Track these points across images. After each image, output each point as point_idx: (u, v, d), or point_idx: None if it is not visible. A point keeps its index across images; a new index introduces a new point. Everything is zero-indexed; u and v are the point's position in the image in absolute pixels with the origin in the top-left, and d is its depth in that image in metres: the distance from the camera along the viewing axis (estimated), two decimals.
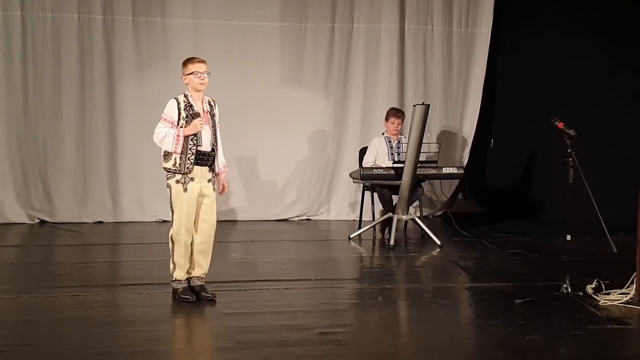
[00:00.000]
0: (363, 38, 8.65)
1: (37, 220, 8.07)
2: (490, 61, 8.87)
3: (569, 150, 5.19)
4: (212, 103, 5.01)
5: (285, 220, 8.59)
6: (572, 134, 5.26)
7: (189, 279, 4.96)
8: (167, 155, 4.83)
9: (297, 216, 8.65)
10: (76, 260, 6.36)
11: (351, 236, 7.41)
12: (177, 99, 4.85)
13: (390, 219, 7.15)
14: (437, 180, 8.19)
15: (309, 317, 4.63)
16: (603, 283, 5.05)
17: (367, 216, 7.77)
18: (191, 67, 4.85)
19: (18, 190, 8.02)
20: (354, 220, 8.28)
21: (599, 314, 4.65)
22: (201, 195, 4.88)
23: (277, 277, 5.68)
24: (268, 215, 8.54)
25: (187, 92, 4.89)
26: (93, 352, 3.93)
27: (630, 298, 4.84)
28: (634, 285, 4.89)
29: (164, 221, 8.04)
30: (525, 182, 8.93)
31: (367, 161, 7.46)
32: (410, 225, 7.86)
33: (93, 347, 3.99)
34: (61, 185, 8.12)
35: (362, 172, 7.13)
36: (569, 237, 5.16)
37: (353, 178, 7.44)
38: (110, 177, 8.23)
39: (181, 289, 4.90)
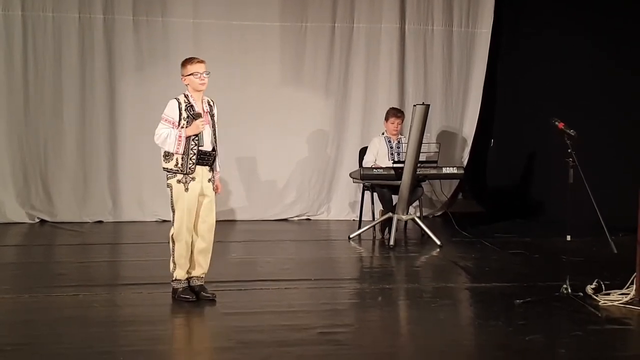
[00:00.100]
0: (363, 38, 8.65)
1: (37, 220, 8.07)
2: (491, 61, 8.88)
3: (569, 151, 5.20)
4: (212, 103, 5.01)
5: (285, 220, 8.59)
6: (573, 134, 5.26)
7: (188, 279, 4.97)
8: (167, 155, 4.83)
9: (297, 216, 8.66)
10: (76, 260, 6.36)
11: (351, 236, 7.41)
12: (177, 100, 4.85)
13: (390, 219, 7.15)
14: (437, 180, 8.19)
15: (308, 317, 4.64)
16: (603, 283, 5.05)
17: (367, 216, 7.77)
18: (190, 68, 4.85)
19: (18, 190, 8.03)
20: (354, 220, 8.28)
21: (599, 315, 4.65)
22: (202, 194, 4.89)
23: (277, 277, 5.68)
24: (268, 215, 8.54)
25: (187, 93, 4.89)
26: (93, 351, 3.93)
27: (630, 298, 4.84)
28: (634, 286, 4.89)
29: (164, 221, 8.04)
30: (526, 182, 8.93)
31: (367, 161, 7.46)
32: (410, 225, 7.86)
33: (93, 347, 3.99)
34: (61, 184, 8.12)
35: (362, 172, 7.13)
36: (569, 238, 5.16)
37: (353, 178, 7.44)
38: (110, 177, 8.23)
39: (181, 289, 4.90)
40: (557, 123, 5.36)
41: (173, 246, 4.89)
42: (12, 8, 7.90)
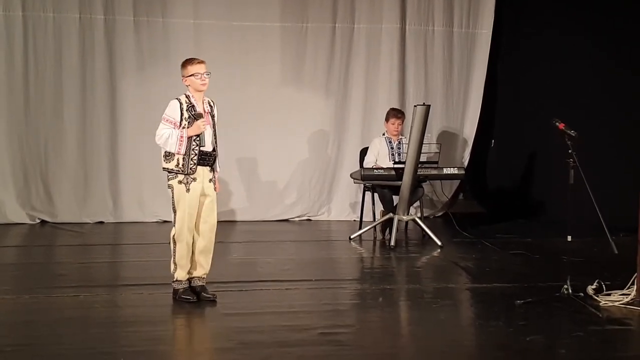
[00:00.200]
0: (364, 38, 8.65)
1: (38, 221, 8.07)
2: (491, 61, 8.88)
3: (569, 151, 5.20)
4: (212, 103, 5.02)
5: (286, 220, 8.59)
6: (573, 134, 5.26)
7: (190, 279, 4.97)
8: (168, 155, 4.83)
9: (297, 217, 8.66)
10: (77, 261, 6.36)
11: (352, 237, 7.41)
12: (179, 100, 4.85)
13: (390, 220, 7.14)
14: (438, 181, 8.20)
15: (309, 317, 4.64)
16: (604, 284, 5.05)
17: (367, 217, 7.77)
18: (191, 69, 4.85)
19: (19, 190, 8.03)
20: (354, 220, 8.28)
21: (600, 315, 4.65)
22: (203, 195, 4.89)
23: (278, 277, 5.68)
24: (268, 216, 8.54)
25: (188, 93, 4.89)
26: (94, 352, 3.93)
27: (631, 299, 4.83)
28: (635, 286, 4.88)
29: (165, 221, 8.05)
30: (526, 183, 8.93)
31: (368, 162, 7.46)
32: (410, 225, 7.86)
33: (94, 348, 3.99)
34: (62, 185, 8.12)
35: (362, 173, 7.13)
36: (569, 238, 5.17)
37: (354, 178, 7.44)
38: (111, 177, 8.24)
39: (182, 290, 4.90)
40: (557, 124, 5.36)
41: (174, 247, 4.88)
42: (13, 8, 7.90)
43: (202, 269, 4.98)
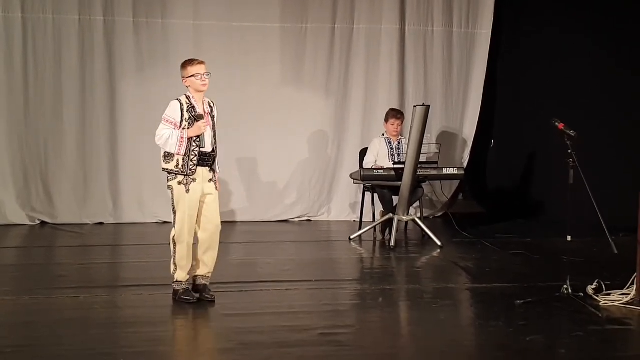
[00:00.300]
0: (363, 39, 8.65)
1: (38, 222, 8.07)
2: (491, 62, 8.88)
3: (569, 151, 5.20)
4: (212, 104, 5.02)
5: (286, 221, 8.59)
6: (573, 134, 5.26)
7: (194, 277, 4.97)
8: (168, 156, 4.83)
9: (297, 217, 8.65)
10: (77, 262, 6.36)
11: (352, 237, 7.41)
12: (179, 101, 4.85)
13: (390, 220, 7.15)
14: (438, 181, 8.20)
15: (309, 318, 4.64)
16: (604, 284, 5.05)
17: (367, 217, 7.77)
18: (191, 70, 4.85)
19: (19, 191, 8.03)
20: (354, 221, 8.28)
21: (600, 315, 4.65)
22: (203, 195, 4.89)
23: (278, 278, 5.68)
24: (268, 216, 8.54)
25: (188, 94, 4.89)
26: (94, 353, 3.94)
27: (631, 299, 4.84)
28: (635, 286, 4.89)
29: (165, 222, 8.05)
30: (526, 183, 8.93)
31: (368, 162, 7.47)
32: (410, 226, 7.86)
33: (94, 349, 4.00)
34: (62, 186, 8.12)
35: (362, 173, 7.13)
36: (569, 238, 5.17)
37: (353, 179, 7.44)
38: (110, 178, 8.23)
39: (182, 290, 4.90)
40: (557, 124, 5.36)
41: (174, 248, 4.89)
42: (12, 10, 7.90)
43: (206, 268, 4.98)
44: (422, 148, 6.90)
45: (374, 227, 7.57)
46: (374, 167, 7.33)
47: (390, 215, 7.16)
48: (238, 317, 4.68)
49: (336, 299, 5.19)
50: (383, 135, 7.65)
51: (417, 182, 7.20)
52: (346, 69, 8.66)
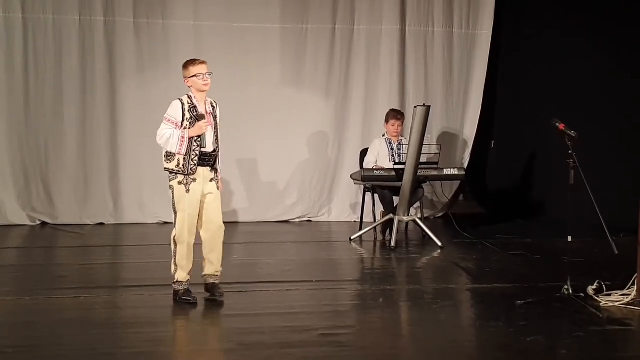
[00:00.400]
0: (364, 39, 8.65)
1: (38, 222, 8.07)
2: (491, 64, 8.88)
3: (569, 152, 5.19)
4: (214, 104, 5.02)
5: (286, 221, 8.59)
6: (573, 135, 5.26)
7: (204, 277, 4.99)
8: (169, 155, 4.84)
9: (298, 217, 8.65)
10: (77, 262, 6.36)
11: (352, 237, 7.41)
12: (181, 100, 4.86)
13: (391, 220, 7.15)
14: (438, 182, 8.20)
15: (310, 318, 4.64)
16: (604, 284, 5.05)
17: (368, 217, 7.77)
18: (193, 70, 4.86)
19: (19, 192, 8.03)
20: (355, 221, 8.28)
21: (600, 315, 4.65)
22: (204, 195, 4.89)
23: (278, 278, 5.69)
24: (269, 217, 8.54)
25: (190, 94, 4.90)
26: (94, 353, 3.94)
27: (632, 299, 4.84)
28: (635, 287, 4.89)
29: (165, 223, 8.05)
30: (526, 183, 8.93)
31: (368, 162, 7.47)
32: (411, 226, 7.86)
33: (94, 349, 4.00)
34: (62, 186, 8.12)
35: (363, 174, 7.13)
36: (570, 238, 5.16)
37: (354, 179, 7.44)
38: (111, 179, 8.23)
39: (182, 291, 4.90)
40: (557, 124, 5.36)
41: (175, 248, 4.89)
42: (13, 10, 7.91)
43: (213, 267, 4.99)
44: (423, 148, 6.90)
45: (375, 228, 7.57)
46: (374, 167, 7.33)
47: (391, 215, 7.16)
48: (238, 318, 4.68)
49: (337, 300, 5.19)
50: (383, 135, 7.65)
51: (418, 182, 7.20)
52: (346, 69, 8.66)
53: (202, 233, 4.96)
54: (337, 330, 4.37)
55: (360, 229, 7.54)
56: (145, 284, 5.36)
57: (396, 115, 7.60)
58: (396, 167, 7.17)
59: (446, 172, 7.32)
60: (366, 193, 7.70)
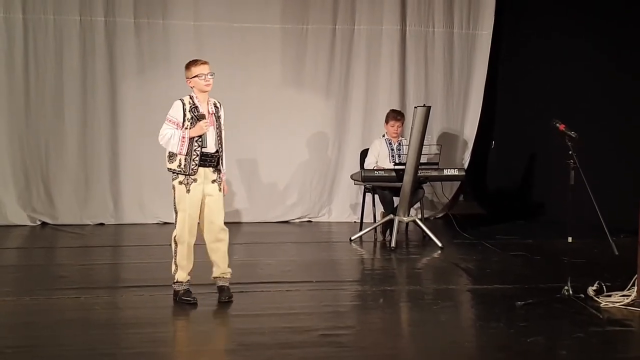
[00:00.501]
0: (364, 40, 8.65)
1: (39, 223, 8.07)
2: (491, 63, 8.88)
3: (570, 152, 5.19)
4: (218, 105, 5.03)
5: (287, 222, 8.59)
6: (574, 135, 5.25)
7: (213, 279, 5.01)
8: (171, 156, 4.86)
9: (298, 218, 8.65)
10: (77, 262, 6.37)
11: (352, 238, 7.41)
12: (182, 101, 4.87)
13: (391, 221, 7.15)
14: (438, 182, 8.19)
15: (310, 319, 4.64)
16: (604, 285, 5.05)
17: (368, 218, 7.77)
18: (195, 70, 4.87)
19: (19, 192, 8.03)
20: (355, 222, 8.28)
21: (601, 316, 4.65)
22: (205, 195, 4.89)
23: (279, 279, 5.69)
24: (269, 217, 8.54)
25: (192, 94, 4.91)
26: (94, 353, 3.94)
27: (632, 300, 4.84)
28: (635, 288, 4.89)
29: (165, 223, 8.05)
30: (526, 184, 8.93)
31: (369, 163, 7.47)
32: (411, 227, 7.86)
33: (94, 349, 4.00)
34: (62, 187, 8.12)
35: (363, 174, 7.13)
36: (570, 239, 5.16)
37: (354, 180, 7.44)
38: (111, 179, 8.24)
39: (182, 291, 4.91)
40: (558, 125, 5.36)
41: (175, 248, 4.89)
42: (13, 11, 7.91)
43: (219, 269, 5.00)
44: (423, 149, 6.90)
45: (375, 228, 7.57)
46: (375, 168, 7.33)
47: (391, 216, 7.16)
48: (239, 318, 4.68)
49: (337, 300, 5.19)
50: (383, 136, 7.65)
51: (418, 183, 7.20)
52: (347, 70, 8.66)
53: (204, 235, 4.96)
54: (337, 331, 4.37)
55: (361, 230, 7.54)
56: (146, 285, 5.36)
57: (396, 116, 7.60)
58: (396, 167, 7.16)
59: (446, 172, 7.32)
60: (366, 193, 7.70)
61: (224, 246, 5.00)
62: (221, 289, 4.99)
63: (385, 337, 4.39)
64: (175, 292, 4.93)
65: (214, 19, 8.32)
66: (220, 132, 4.97)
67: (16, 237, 7.53)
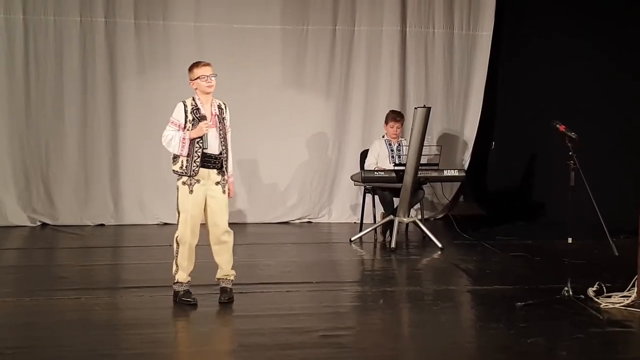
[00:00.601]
0: (364, 41, 8.65)
1: (39, 223, 8.07)
2: (492, 64, 8.88)
3: (570, 153, 5.19)
4: (223, 106, 5.03)
5: (287, 222, 8.59)
6: (574, 136, 5.25)
7: (217, 280, 5.02)
8: (175, 157, 4.89)
9: (298, 219, 8.65)
10: (78, 263, 6.37)
11: (352, 239, 7.41)
12: (184, 102, 4.89)
13: (391, 222, 7.15)
14: (438, 183, 8.19)
15: (310, 320, 4.64)
16: (604, 286, 5.05)
17: (368, 219, 7.77)
18: (197, 72, 4.88)
19: (20, 192, 8.03)
20: (355, 222, 8.28)
21: (601, 317, 4.65)
22: (208, 197, 4.89)
23: (279, 279, 5.68)
24: (269, 218, 8.54)
25: (195, 96, 4.92)
26: (94, 354, 3.94)
27: (632, 301, 4.84)
28: (635, 289, 4.89)
29: (165, 224, 8.05)
30: (527, 185, 8.93)
31: (369, 164, 7.47)
32: (411, 227, 7.86)
33: (94, 350, 4.00)
34: (63, 187, 8.12)
35: (363, 175, 7.13)
36: (570, 240, 5.16)
37: (354, 181, 7.43)
38: (111, 180, 8.23)
39: (182, 292, 4.91)
40: (558, 126, 5.36)
41: (177, 248, 4.89)
42: (14, 11, 7.91)
43: (221, 271, 5.01)
44: (423, 150, 6.90)
45: (375, 229, 7.57)
46: (376, 168, 7.33)
47: (391, 217, 7.17)
48: (239, 319, 4.68)
49: (337, 301, 5.19)
50: (383, 137, 7.65)
51: (418, 183, 7.20)
52: (347, 70, 8.66)
53: (209, 236, 4.97)
54: (338, 332, 4.37)
55: (361, 230, 7.54)
56: (146, 285, 5.36)
57: (395, 117, 7.59)
58: (396, 168, 7.16)
59: (446, 173, 7.31)
60: (366, 194, 7.70)
61: (227, 248, 5.00)
62: (223, 290, 4.99)
63: (385, 338, 4.39)
64: (175, 293, 4.93)
65: (214, 20, 8.32)
66: (225, 133, 4.96)
67: (16, 237, 7.53)
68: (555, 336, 4.30)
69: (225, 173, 4.97)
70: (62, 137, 8.10)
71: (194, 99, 4.91)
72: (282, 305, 4.99)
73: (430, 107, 6.89)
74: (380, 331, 4.52)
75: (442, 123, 8.91)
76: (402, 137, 7.66)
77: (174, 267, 4.91)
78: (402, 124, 7.65)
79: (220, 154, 4.93)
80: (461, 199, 9.32)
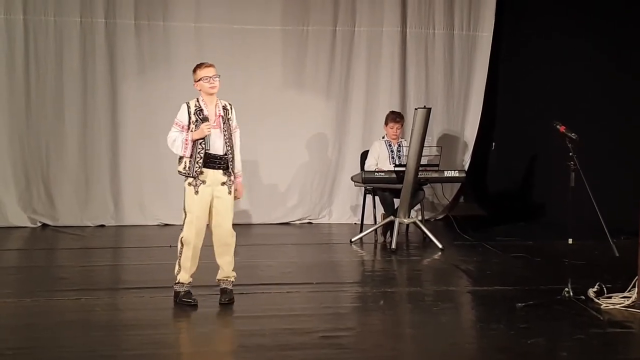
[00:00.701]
0: (365, 41, 8.65)
1: (39, 224, 8.07)
2: (492, 66, 8.88)
3: (570, 154, 5.20)
4: (228, 107, 5.03)
5: (287, 223, 8.59)
6: (574, 137, 5.26)
7: (217, 280, 5.02)
8: (180, 159, 4.90)
9: (298, 220, 8.65)
10: (78, 264, 6.37)
11: (353, 240, 7.41)
12: (188, 104, 4.91)
13: (391, 223, 7.15)
14: (439, 184, 8.19)
15: (310, 320, 4.64)
16: (605, 287, 5.05)
17: (368, 220, 7.77)
18: (200, 73, 4.90)
19: (20, 193, 8.03)
20: (355, 223, 8.28)
21: (601, 318, 4.65)
22: (213, 198, 4.90)
23: (279, 280, 5.68)
24: (270, 219, 8.54)
25: (199, 97, 4.93)
26: (95, 355, 3.94)
27: (632, 302, 4.84)
28: (636, 289, 4.88)
29: (166, 225, 8.05)
30: (527, 185, 8.92)
31: (369, 165, 7.47)
32: (411, 228, 7.86)
33: (95, 351, 4.00)
34: (63, 188, 8.12)
35: (363, 176, 7.13)
36: (570, 241, 5.16)
37: (355, 181, 7.44)
38: (112, 180, 8.23)
39: (183, 293, 4.91)
40: (558, 126, 5.36)
41: (181, 249, 4.90)
42: (14, 12, 7.91)
43: (222, 272, 5.01)
44: (423, 150, 6.90)
45: (375, 230, 7.57)
46: (376, 169, 7.33)
47: (391, 217, 7.17)
48: (239, 320, 4.68)
49: (337, 302, 5.19)
50: (383, 137, 7.65)
51: (418, 184, 7.20)
52: (347, 71, 8.66)
53: (213, 237, 4.97)
54: (338, 333, 4.37)
55: (361, 231, 7.54)
56: (146, 286, 5.36)
57: (395, 117, 7.58)
58: (397, 169, 7.16)
59: (447, 174, 7.31)
60: (367, 195, 7.70)
61: (230, 250, 5.00)
62: (223, 291, 4.99)
63: (385, 338, 4.39)
64: (176, 294, 4.93)
65: (215, 20, 8.32)
66: (230, 134, 4.96)
67: (17, 238, 7.53)
68: (556, 337, 4.30)
69: (232, 173, 4.97)
70: (62, 137, 8.10)
71: (198, 100, 4.92)
72: (282, 306, 4.99)
73: (430, 108, 6.89)
74: (380, 332, 4.52)
75: (443, 124, 8.90)
76: (402, 138, 7.66)
77: (177, 268, 4.92)
78: (402, 125, 7.65)
79: (225, 154, 4.93)
80: (461, 199, 9.32)
